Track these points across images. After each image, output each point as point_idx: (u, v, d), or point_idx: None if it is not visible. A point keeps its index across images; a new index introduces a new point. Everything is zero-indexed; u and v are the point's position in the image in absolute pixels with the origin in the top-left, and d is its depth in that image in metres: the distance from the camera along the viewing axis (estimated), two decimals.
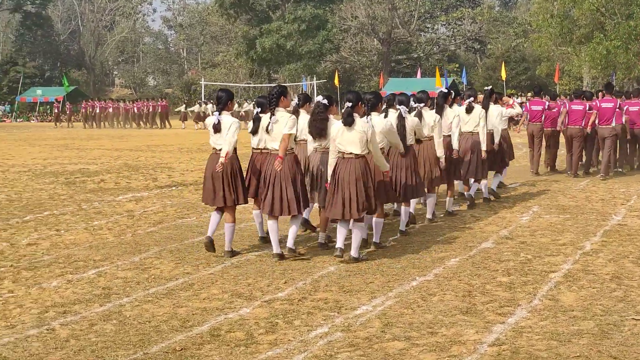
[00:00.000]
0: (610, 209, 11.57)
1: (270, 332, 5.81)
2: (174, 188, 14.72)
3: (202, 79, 61.02)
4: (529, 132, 16.84)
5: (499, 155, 12.62)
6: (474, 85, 65.59)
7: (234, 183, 8.38)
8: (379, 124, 8.63)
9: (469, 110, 11.49)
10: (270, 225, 8.38)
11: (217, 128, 8.38)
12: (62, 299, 6.81)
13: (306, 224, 9.73)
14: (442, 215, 11.06)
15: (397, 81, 59.68)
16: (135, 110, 47.98)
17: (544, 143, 16.83)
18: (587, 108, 15.88)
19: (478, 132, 11.48)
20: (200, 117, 45.04)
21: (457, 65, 69.27)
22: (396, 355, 5.26)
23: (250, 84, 66.82)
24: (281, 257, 8.28)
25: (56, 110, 52.61)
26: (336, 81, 53.11)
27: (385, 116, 9.38)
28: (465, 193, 12.12)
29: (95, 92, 76.75)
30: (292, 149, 8.41)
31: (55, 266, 8.13)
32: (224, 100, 8.49)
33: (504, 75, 47.04)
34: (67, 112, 51.68)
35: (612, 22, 39.56)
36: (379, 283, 7.24)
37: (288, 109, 8.55)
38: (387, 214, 10.59)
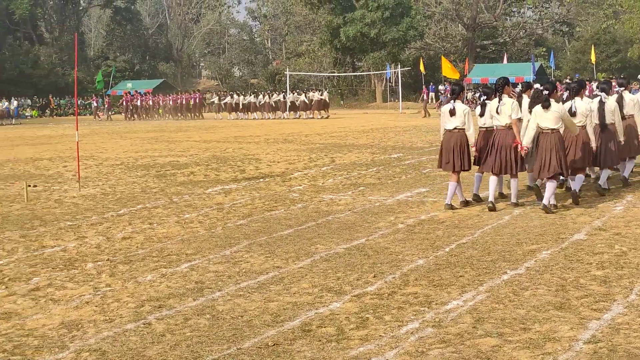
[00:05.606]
0: None
1: (361, 327, 5.82)
2: (261, 180, 14.89)
3: (287, 69, 61.44)
4: None
5: None
6: (562, 69, 64.03)
7: (461, 154, 10.68)
8: (580, 106, 10.88)
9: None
10: (493, 180, 10.80)
11: (452, 112, 10.71)
12: (157, 293, 6.97)
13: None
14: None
15: (483, 67, 58.76)
16: (171, 103, 49.32)
17: None
18: None
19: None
20: (233, 108, 45.63)
21: (544, 50, 67.83)
22: (489, 352, 5.19)
23: (334, 72, 66.90)
24: (492, 208, 10.52)
25: (95, 104, 54.25)
26: (421, 68, 52.72)
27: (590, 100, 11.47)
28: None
29: (182, 84, 78.34)
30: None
31: (149, 260, 8.34)
32: (457, 91, 10.90)
33: (593, 58, 45.81)
34: (106, 106, 53.20)
35: None
36: (469, 277, 7.16)
37: (511, 94, 10.92)
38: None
